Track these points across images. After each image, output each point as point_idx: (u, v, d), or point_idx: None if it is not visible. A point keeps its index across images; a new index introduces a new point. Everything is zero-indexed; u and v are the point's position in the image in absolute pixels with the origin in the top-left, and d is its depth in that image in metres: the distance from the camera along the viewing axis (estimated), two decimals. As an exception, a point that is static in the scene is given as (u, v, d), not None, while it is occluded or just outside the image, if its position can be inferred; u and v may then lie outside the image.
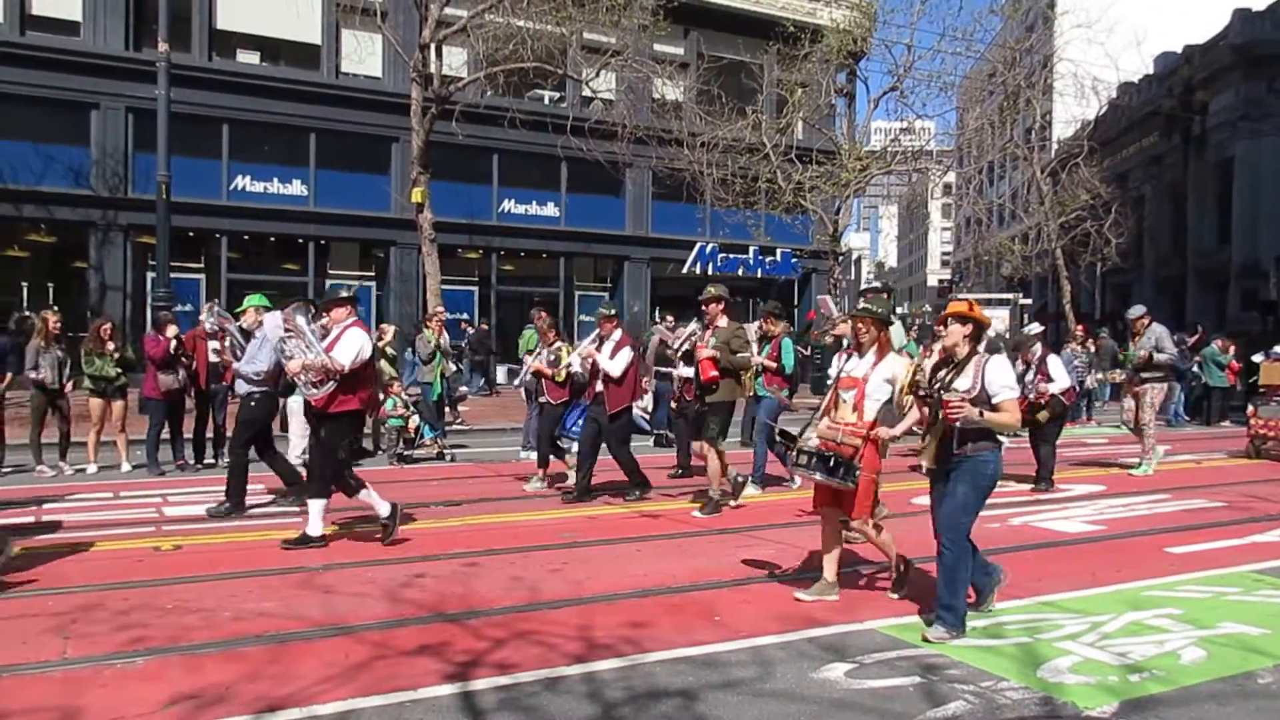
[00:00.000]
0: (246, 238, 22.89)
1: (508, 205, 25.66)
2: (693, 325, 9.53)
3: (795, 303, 29.77)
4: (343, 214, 23.18)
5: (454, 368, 15.45)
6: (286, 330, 7.52)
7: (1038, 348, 10.54)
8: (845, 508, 5.74)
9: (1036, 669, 4.58)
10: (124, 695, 4.18)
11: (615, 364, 9.04)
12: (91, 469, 11.14)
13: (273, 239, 23.22)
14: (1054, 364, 10.38)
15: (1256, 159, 31.25)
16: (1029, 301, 36.87)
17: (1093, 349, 19.07)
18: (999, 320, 21.80)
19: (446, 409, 14.36)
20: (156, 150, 15.67)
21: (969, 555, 5.16)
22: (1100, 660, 4.72)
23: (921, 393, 5.24)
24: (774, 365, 9.83)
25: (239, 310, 9.88)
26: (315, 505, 7.21)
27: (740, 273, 28.33)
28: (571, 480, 9.82)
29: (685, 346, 9.29)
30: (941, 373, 5.22)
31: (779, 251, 28.30)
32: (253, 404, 8.74)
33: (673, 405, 11.60)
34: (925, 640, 4.95)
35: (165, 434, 11.36)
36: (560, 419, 10.08)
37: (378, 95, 23.17)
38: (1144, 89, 37.69)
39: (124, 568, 6.55)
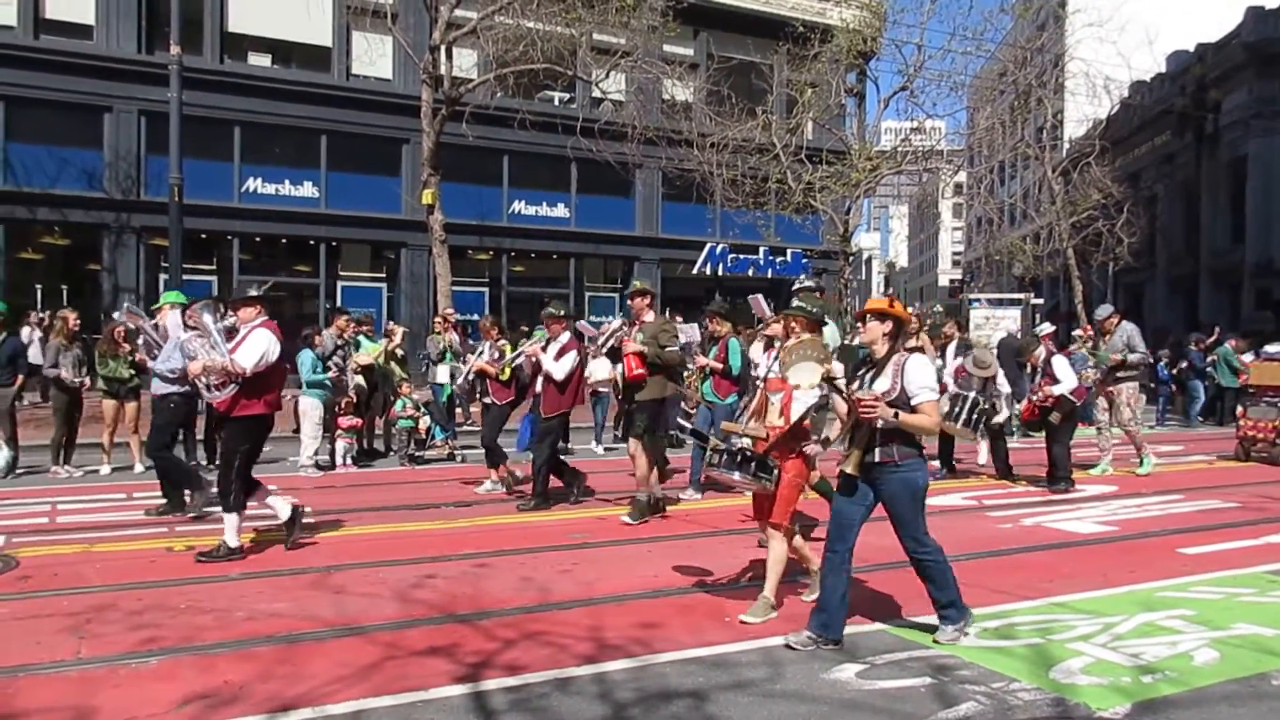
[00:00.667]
0: (258, 239, 22.97)
1: (518, 206, 25.69)
2: (618, 321, 9.15)
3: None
4: (354, 215, 23.24)
5: (464, 368, 15.48)
6: (191, 328, 7.26)
7: (1041, 350, 10.48)
8: (766, 511, 5.49)
9: (1048, 670, 4.56)
10: (138, 695, 4.21)
11: (559, 366, 8.72)
12: (105, 470, 11.20)
13: (284, 241, 23.30)
14: (1059, 365, 10.30)
15: (1270, 157, 31.07)
16: (1040, 302, 36.67)
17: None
18: (1010, 321, 21.67)
19: (457, 409, 14.40)
20: (169, 153, 15.74)
21: (942, 553, 5.02)
22: (1113, 661, 4.70)
23: (845, 395, 5.01)
24: (720, 366, 9.40)
25: (155, 307, 9.79)
26: (230, 516, 6.91)
27: (750, 273, 28.31)
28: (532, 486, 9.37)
29: (611, 343, 8.82)
30: (862, 373, 5.05)
31: (789, 252, 28.26)
32: (171, 406, 8.52)
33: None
34: (936, 643, 4.91)
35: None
36: (505, 419, 9.90)
37: (388, 97, 23.24)
38: (1156, 88, 37.51)
39: (137, 568, 6.59)
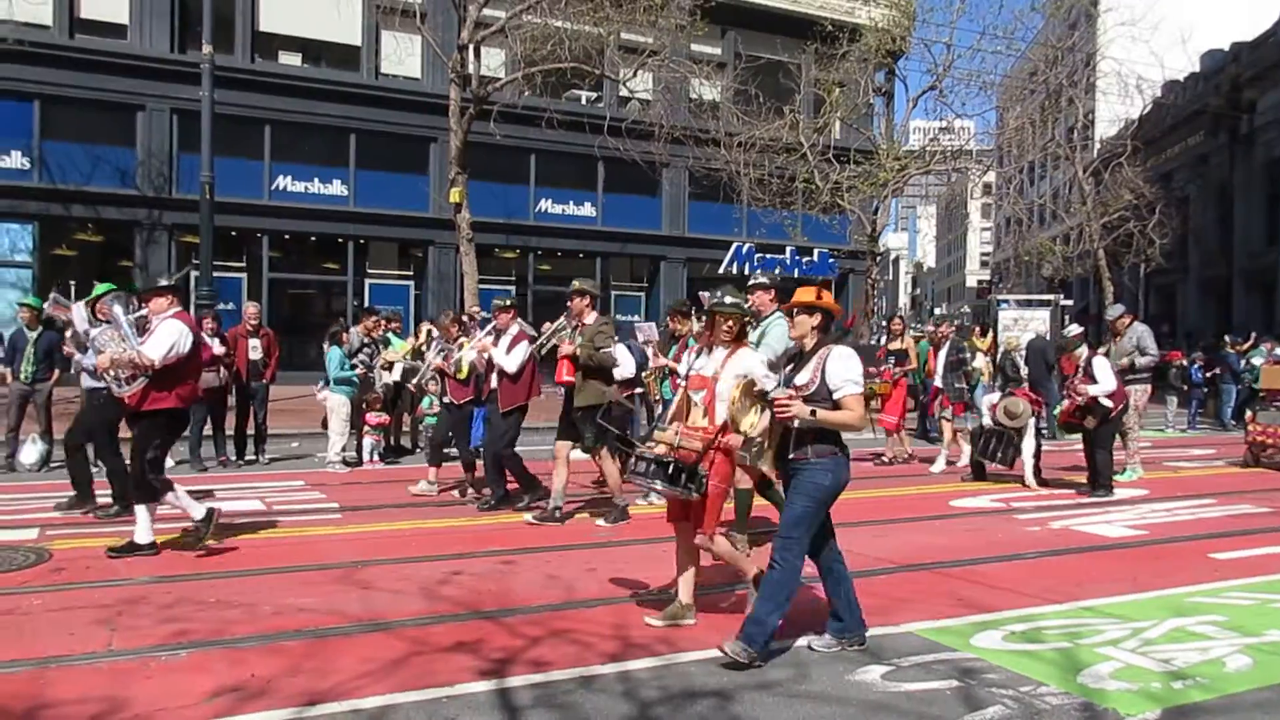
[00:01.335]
0: (287, 237, 23.18)
1: (545, 205, 25.77)
2: (559, 321, 8.73)
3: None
4: (382, 214, 23.41)
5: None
6: (101, 319, 7.05)
7: (1083, 349, 10.36)
8: (694, 520, 5.19)
9: (1077, 674, 4.52)
10: (168, 687, 4.25)
11: (510, 359, 8.37)
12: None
13: (313, 238, 23.50)
14: (1100, 365, 10.09)
15: (1306, 158, 30.62)
16: (1070, 303, 36.33)
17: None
18: (1039, 322, 21.44)
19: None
20: (200, 151, 15.88)
21: (795, 577, 4.69)
22: (1142, 666, 4.65)
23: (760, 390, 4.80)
24: (677, 366, 9.08)
25: (89, 299, 9.64)
26: (141, 511, 6.75)
27: (777, 273, 28.20)
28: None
29: (552, 343, 8.47)
30: (788, 368, 4.86)
31: (816, 252, 28.17)
32: (100, 401, 8.23)
33: None
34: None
35: (207, 431, 11.52)
36: (469, 418, 9.63)
37: (416, 96, 23.38)
38: (1190, 87, 37.05)
39: (167, 562, 6.66)
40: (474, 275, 19.29)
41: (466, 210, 18.95)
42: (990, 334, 21.14)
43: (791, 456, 4.70)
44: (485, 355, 8.67)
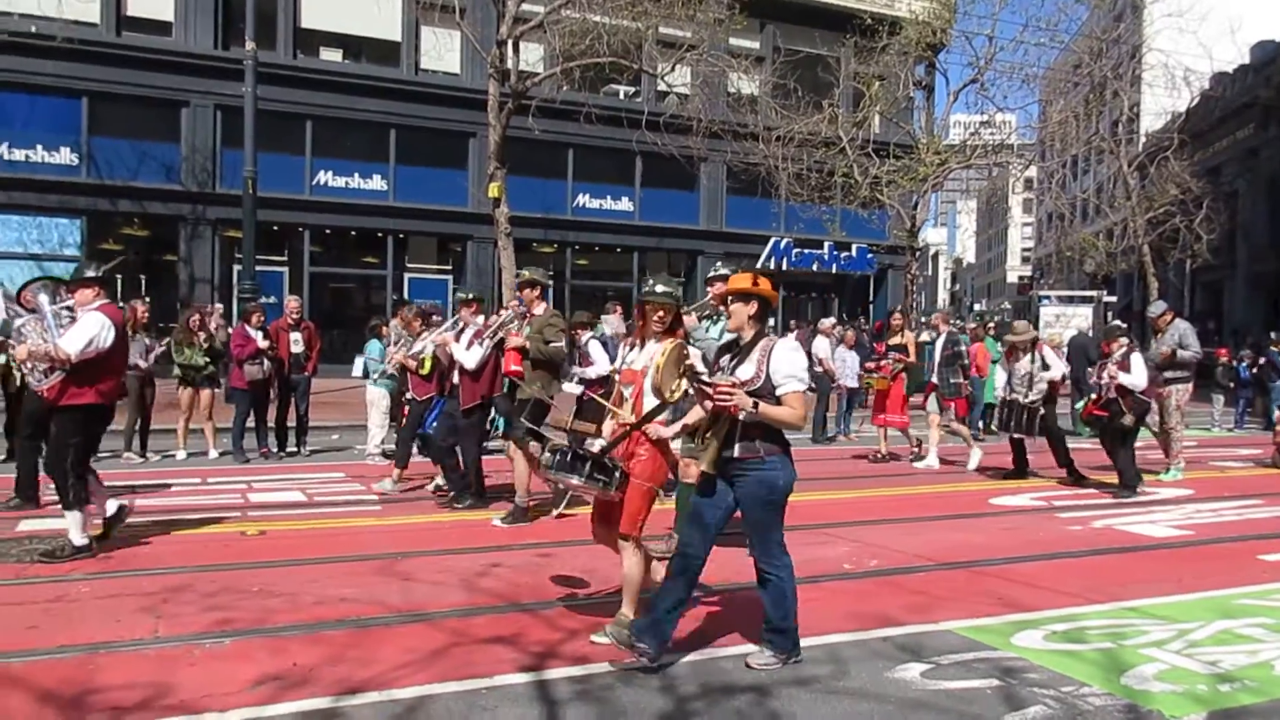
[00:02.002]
0: (328, 231, 23.43)
1: (582, 200, 25.82)
2: (507, 312, 8.47)
3: (871, 299, 29.40)
4: (421, 208, 23.58)
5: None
6: (27, 309, 6.86)
7: (1125, 340, 10.17)
8: (614, 521, 4.86)
9: (1120, 675, 4.46)
10: (212, 674, 4.32)
11: (470, 355, 8.14)
12: (180, 455, 11.52)
13: (353, 233, 23.72)
14: (1137, 360, 9.91)
15: (1360, 151, 29.89)
16: (1114, 299, 35.82)
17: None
18: (1082, 319, 21.20)
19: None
20: (243, 146, 16.13)
21: (791, 573, 4.55)
22: (1188, 669, 4.58)
23: (699, 382, 4.46)
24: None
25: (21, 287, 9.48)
26: (71, 513, 6.48)
27: (815, 268, 28.08)
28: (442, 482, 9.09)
29: (500, 335, 8.20)
30: (726, 358, 4.59)
31: (854, 247, 27.98)
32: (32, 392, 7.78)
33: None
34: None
35: (250, 422, 11.68)
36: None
37: (456, 91, 23.50)
38: (1239, 79, 36.29)
39: (211, 551, 6.77)
40: (512, 269, 19.34)
41: (505, 205, 19.03)
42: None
43: (737, 455, 4.38)
44: (447, 350, 8.44)
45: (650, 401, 4.76)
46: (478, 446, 8.68)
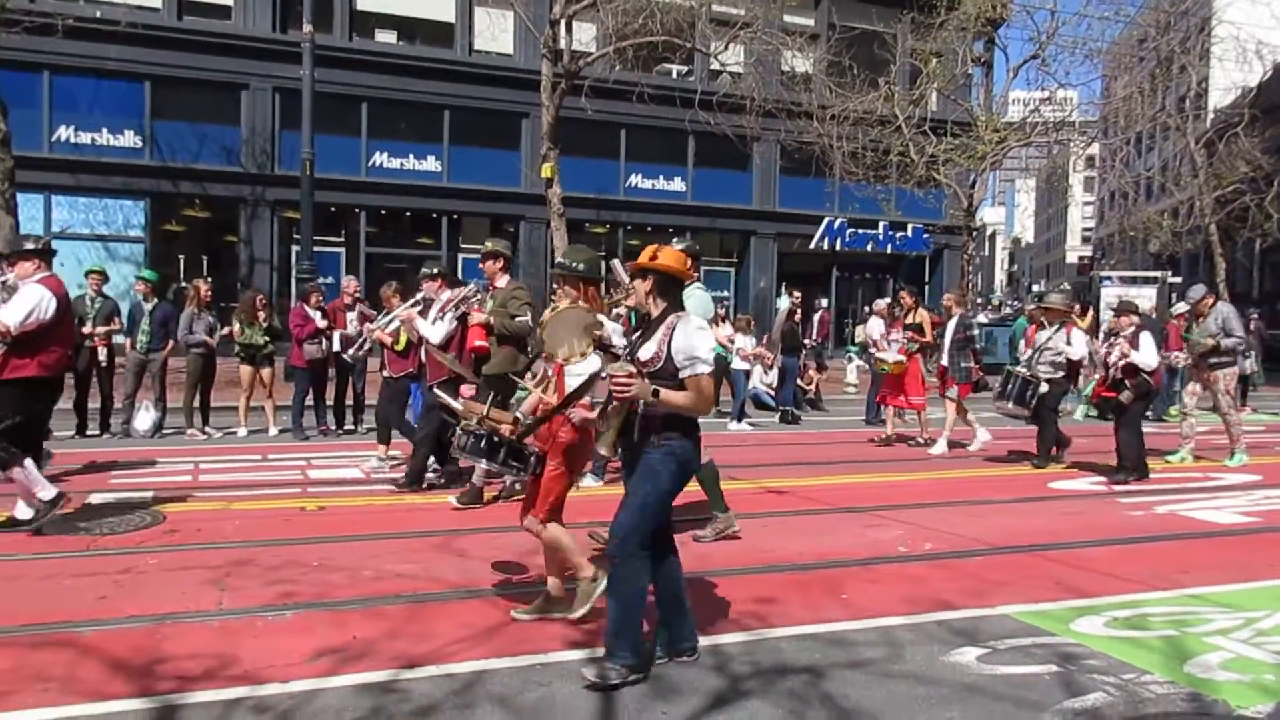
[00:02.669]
0: (384, 213, 23.69)
1: (635, 180, 25.78)
2: (470, 286, 8.20)
3: (927, 280, 29.02)
4: (475, 189, 23.74)
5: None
6: None
7: (1134, 318, 9.79)
8: (531, 503, 4.74)
9: (1183, 664, 4.37)
10: (274, 646, 4.42)
11: (435, 329, 7.90)
12: (241, 432, 11.77)
13: (408, 214, 23.96)
14: (1147, 340, 9.58)
15: None
16: (1179, 280, 34.92)
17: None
18: (1145, 300, 20.66)
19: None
20: (301, 128, 16.34)
21: (645, 572, 4.08)
22: (1255, 658, 4.47)
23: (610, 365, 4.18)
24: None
25: None
26: (18, 480, 6.45)
27: (869, 248, 27.79)
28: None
29: (462, 310, 7.92)
30: (635, 338, 4.27)
31: (910, 227, 27.63)
32: None
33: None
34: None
35: (309, 401, 11.88)
36: (406, 392, 9.20)
37: (509, 72, 23.59)
38: (1314, 52, 35.04)
39: (273, 526, 6.91)
40: (564, 250, 19.42)
41: (557, 185, 19.09)
42: (1091, 313, 20.43)
43: (637, 440, 4.10)
44: (412, 326, 8.25)
45: (571, 383, 4.55)
46: (436, 425, 8.21)
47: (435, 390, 7.42)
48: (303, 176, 16.35)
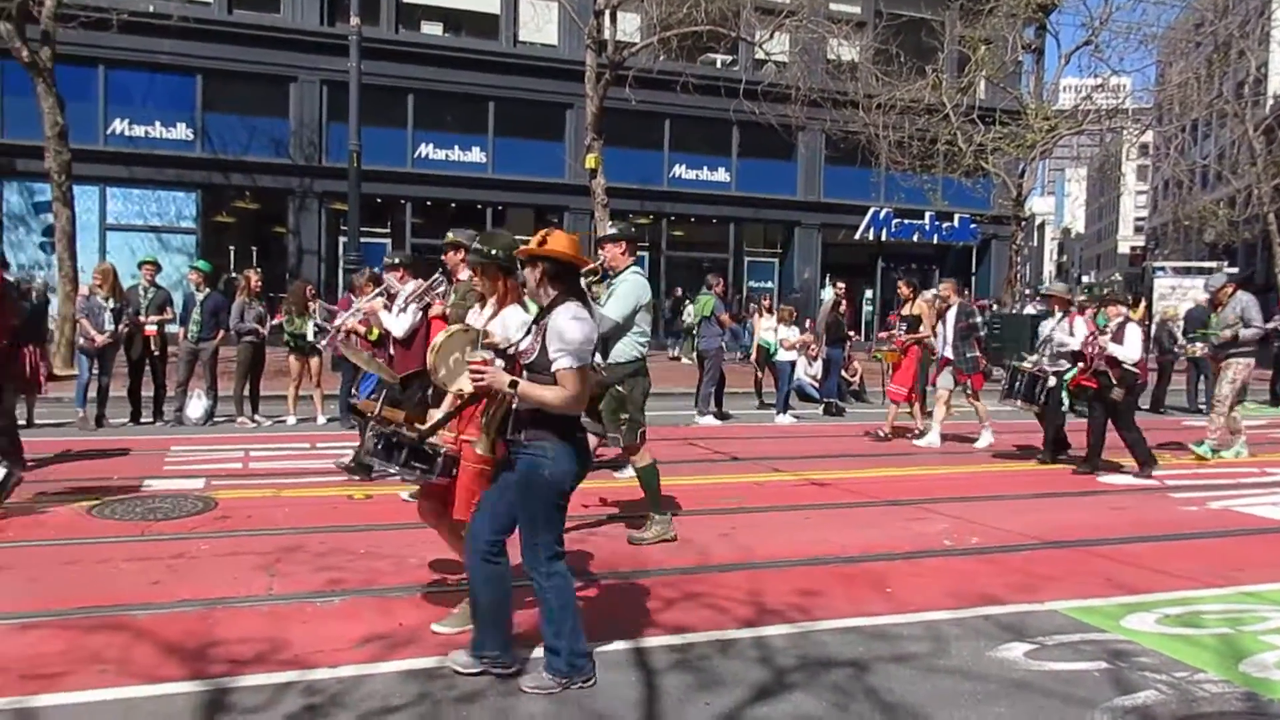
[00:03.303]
0: (429, 204, 23.88)
1: (679, 170, 25.72)
2: (435, 277, 7.81)
3: (973, 270, 28.66)
4: (519, 180, 23.84)
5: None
6: None
7: (1123, 311, 9.49)
8: (448, 505, 4.47)
9: (1238, 662, 4.28)
10: (323, 631, 4.49)
11: (398, 322, 7.51)
12: (291, 420, 11.94)
13: (453, 205, 24.13)
14: (1131, 332, 9.24)
15: None
16: (1235, 271, 34.12)
17: None
18: (1200, 291, 20.20)
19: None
20: (348, 120, 16.50)
21: (565, 583, 3.91)
22: (1312, 658, 4.37)
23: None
24: None
25: None
26: None
27: (915, 239, 27.50)
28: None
29: (426, 301, 7.57)
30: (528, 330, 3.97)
31: (957, 217, 27.30)
32: None
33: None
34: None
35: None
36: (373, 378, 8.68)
37: (553, 63, 23.62)
38: (1379, 35, 33.99)
39: (321, 513, 7.01)
40: (608, 241, 19.41)
41: (601, 176, 19.10)
42: (1143, 303, 20.05)
43: (509, 438, 3.86)
44: (377, 318, 7.95)
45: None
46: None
47: (352, 393, 7.15)
48: (350, 168, 16.52)
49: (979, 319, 11.43)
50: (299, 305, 11.99)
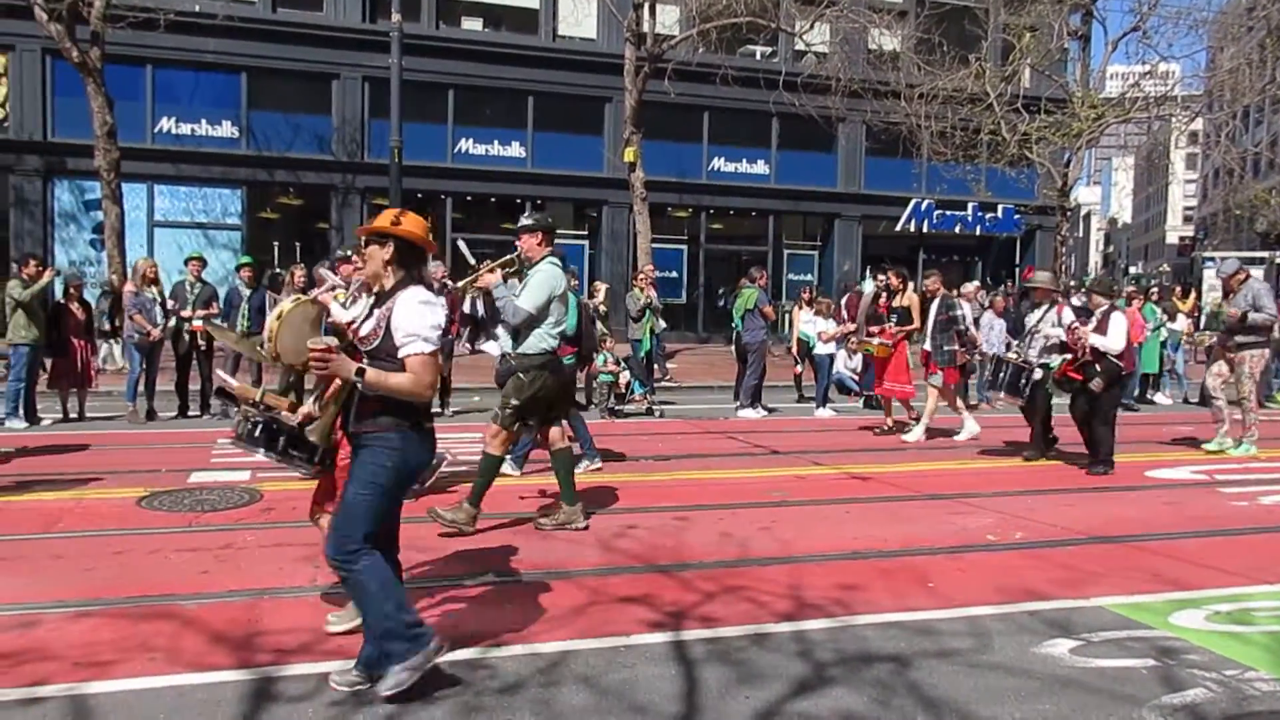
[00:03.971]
0: (469, 198, 24.03)
1: (718, 163, 25.64)
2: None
3: (1018, 261, 28.28)
4: (558, 174, 23.90)
5: (663, 324, 15.62)
6: None
7: (1104, 303, 9.12)
8: (325, 498, 4.38)
9: (1291, 661, 4.20)
10: (366, 622, 4.53)
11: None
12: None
13: (493, 199, 24.25)
14: (1115, 322, 8.90)
15: None
16: (1261, 256, 33.36)
17: None
18: (1255, 281, 19.79)
19: (655, 366, 14.61)
20: (390, 116, 16.64)
21: (379, 571, 3.65)
22: (1368, 657, 4.27)
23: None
24: None
25: None
26: None
27: (958, 230, 27.20)
28: None
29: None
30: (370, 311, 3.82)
31: (1000, 208, 26.94)
32: None
33: None
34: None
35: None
36: None
37: (592, 56, 23.65)
38: None
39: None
40: (647, 234, 19.46)
41: (640, 169, 19.09)
42: (1193, 294, 19.65)
43: (352, 430, 3.72)
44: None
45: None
46: None
47: (218, 373, 7.02)
48: (391, 164, 16.66)
49: (960, 313, 11.00)
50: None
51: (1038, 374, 9.40)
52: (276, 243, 22.65)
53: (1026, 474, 9.04)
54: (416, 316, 3.58)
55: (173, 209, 21.91)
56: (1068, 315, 9.54)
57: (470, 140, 23.66)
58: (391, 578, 3.74)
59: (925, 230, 27.01)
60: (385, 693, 3.62)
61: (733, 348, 14.21)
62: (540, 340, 6.35)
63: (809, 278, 26.22)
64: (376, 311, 3.69)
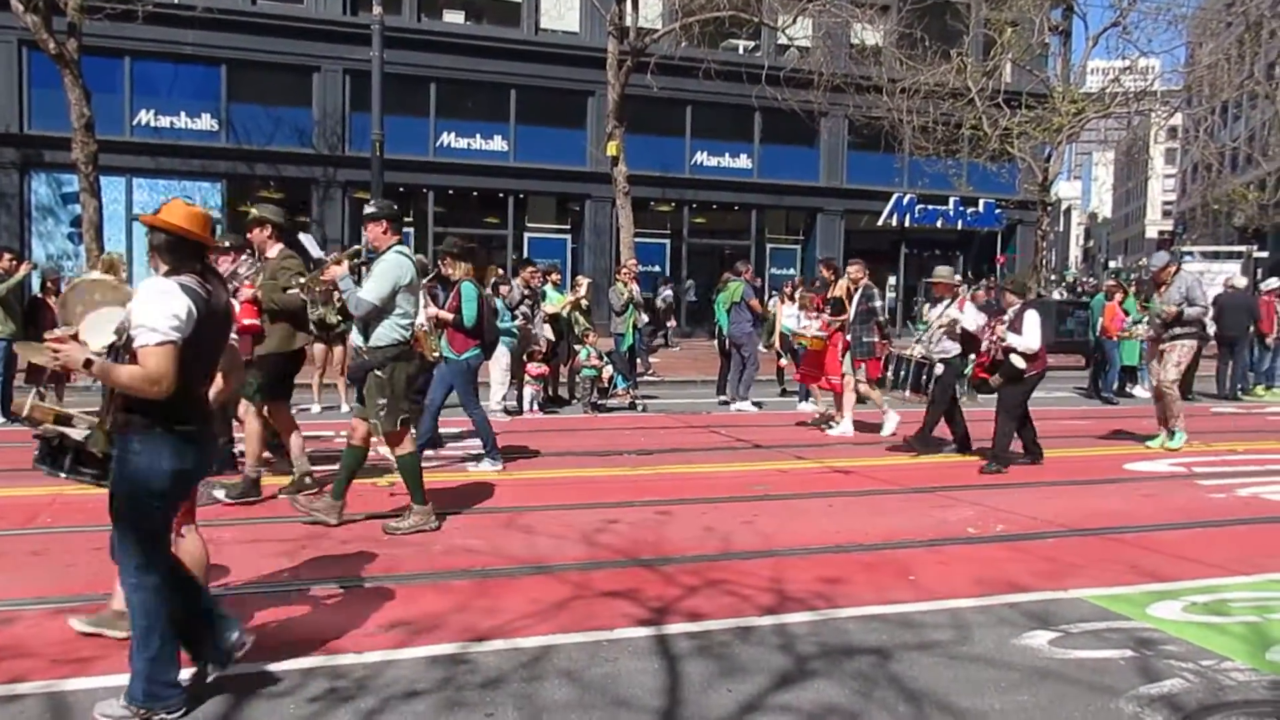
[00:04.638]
0: (451, 192, 23.93)
1: (700, 157, 25.64)
2: (244, 258, 7.45)
3: (999, 255, 28.43)
4: (540, 168, 23.83)
5: (645, 319, 15.63)
6: None
7: (1016, 297, 9.07)
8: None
9: (1266, 650, 4.25)
10: (349, 616, 4.53)
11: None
12: (315, 409, 12.03)
13: (475, 193, 24.17)
14: (1030, 320, 8.74)
15: None
16: (1264, 255, 33.63)
17: None
18: (1234, 275, 19.88)
19: (637, 360, 14.61)
20: (371, 110, 16.55)
21: (156, 593, 3.43)
22: (1342, 646, 4.33)
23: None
24: (450, 317, 8.01)
25: None
26: None
27: (940, 224, 27.30)
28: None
29: (233, 285, 6.94)
30: None
31: (982, 202, 27.06)
32: None
33: None
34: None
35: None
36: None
37: (575, 50, 23.59)
38: None
39: (346, 501, 7.03)
40: (629, 229, 19.44)
41: (623, 163, 19.07)
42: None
43: (109, 429, 3.51)
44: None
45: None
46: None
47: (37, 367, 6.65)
48: (373, 157, 16.56)
49: (879, 303, 10.87)
50: (324, 295, 12.01)
51: (939, 369, 9.24)
52: (257, 237, 22.48)
53: (1011, 468, 9.08)
54: (149, 305, 3.31)
55: (151, 202, 21.67)
56: (969, 309, 9.41)
57: (452, 134, 23.57)
58: (166, 618, 3.45)
59: (907, 225, 27.10)
60: (109, 714, 3.44)
61: (715, 342, 14.24)
62: (391, 330, 6.18)
63: (791, 272, 26.26)
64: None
